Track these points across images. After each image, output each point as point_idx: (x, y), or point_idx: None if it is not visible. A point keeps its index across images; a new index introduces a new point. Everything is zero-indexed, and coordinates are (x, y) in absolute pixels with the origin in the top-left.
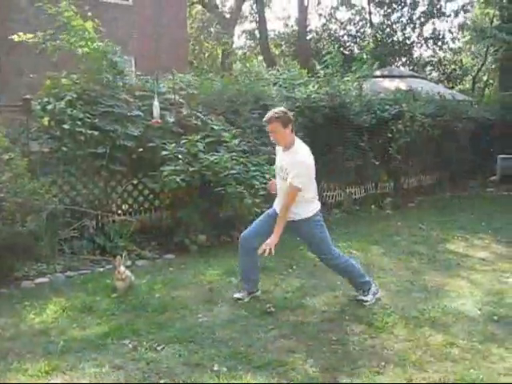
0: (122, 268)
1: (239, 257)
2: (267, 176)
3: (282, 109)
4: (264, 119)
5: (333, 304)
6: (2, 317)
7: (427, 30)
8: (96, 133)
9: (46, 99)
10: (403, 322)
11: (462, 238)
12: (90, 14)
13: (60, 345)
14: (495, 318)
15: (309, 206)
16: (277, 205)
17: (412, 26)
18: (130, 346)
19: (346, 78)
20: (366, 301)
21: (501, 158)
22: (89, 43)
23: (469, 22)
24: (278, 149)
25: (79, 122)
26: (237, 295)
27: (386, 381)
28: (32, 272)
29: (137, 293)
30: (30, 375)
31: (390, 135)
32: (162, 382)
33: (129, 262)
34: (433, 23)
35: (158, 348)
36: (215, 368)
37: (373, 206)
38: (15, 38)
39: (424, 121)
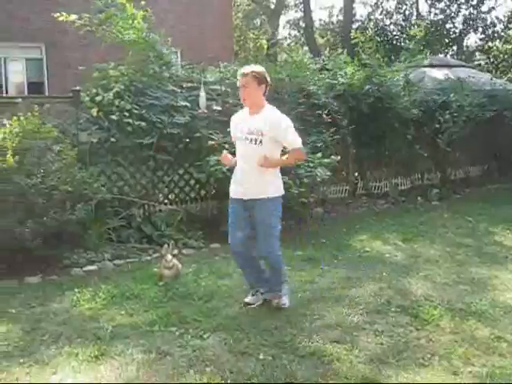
0: (169, 256)
1: (242, 270)
2: (311, 165)
3: (261, 68)
4: (244, 70)
5: (378, 295)
6: (53, 302)
7: (477, 18)
8: (143, 123)
9: (94, 91)
10: (449, 315)
11: (511, 230)
12: (143, 2)
13: (109, 331)
14: None
15: (280, 181)
16: (244, 186)
17: (462, 14)
18: (177, 333)
19: (393, 68)
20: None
21: None
22: (137, 32)
23: None
24: (242, 114)
25: (127, 113)
26: (246, 300)
27: (431, 373)
28: (81, 260)
29: (183, 281)
30: (81, 359)
31: (437, 126)
32: (207, 369)
33: (175, 251)
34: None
35: (204, 336)
36: (261, 356)
37: (419, 198)
38: (58, 16)
39: (472, 111)
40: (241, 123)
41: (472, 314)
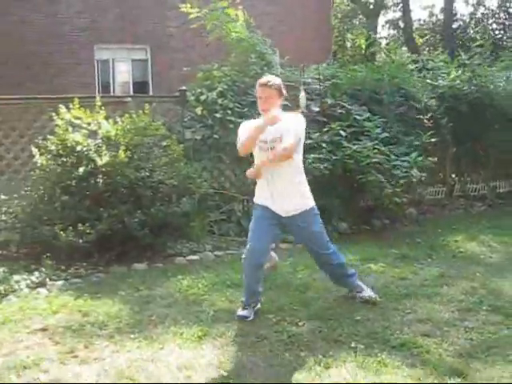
0: (273, 254)
1: (245, 274)
2: (406, 165)
3: (279, 79)
4: (262, 81)
5: (470, 294)
6: (159, 287)
7: None
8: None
9: (199, 90)
10: None
11: None
12: (241, 6)
13: (210, 314)
14: None
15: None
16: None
17: None
18: (274, 320)
19: (493, 68)
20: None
21: None
22: (241, 33)
23: None
24: (255, 124)
25: (229, 111)
26: (241, 313)
27: None
28: (184, 249)
29: (281, 273)
30: (185, 338)
31: None
32: (302, 353)
33: (273, 245)
34: None
35: (300, 323)
36: (352, 345)
37: None
38: (183, 8)
39: None
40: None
41: None
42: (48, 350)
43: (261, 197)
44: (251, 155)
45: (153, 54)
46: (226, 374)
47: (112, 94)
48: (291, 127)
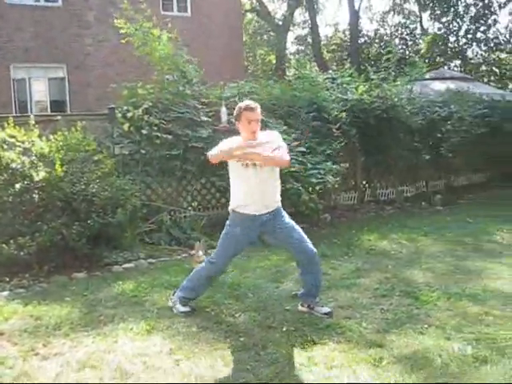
0: (200, 252)
1: (199, 283)
2: (322, 172)
3: None
4: (251, 105)
5: (384, 283)
6: (101, 292)
7: (480, 30)
8: (170, 137)
9: (125, 108)
10: (445, 297)
11: (508, 231)
12: (169, 25)
13: (154, 312)
14: None
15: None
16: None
17: (464, 28)
18: (213, 313)
19: (397, 82)
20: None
21: None
22: (166, 52)
23: None
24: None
25: (155, 128)
26: (184, 309)
27: (427, 339)
28: (119, 258)
29: None
30: (135, 332)
31: (439, 135)
32: (241, 339)
33: (201, 252)
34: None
35: (236, 315)
36: (284, 329)
37: (423, 203)
38: (118, 23)
39: (472, 121)
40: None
41: (465, 296)
42: (9, 350)
43: (245, 203)
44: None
45: (69, 72)
46: (177, 357)
47: (30, 112)
48: (276, 140)
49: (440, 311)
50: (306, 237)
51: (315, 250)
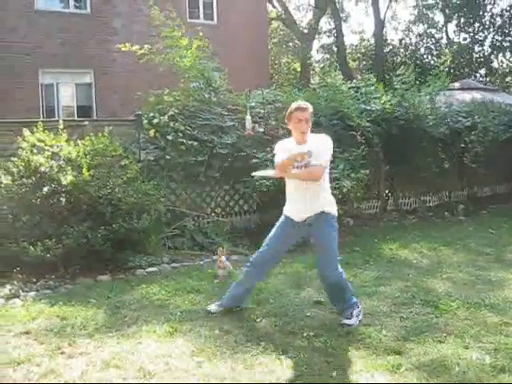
0: (223, 258)
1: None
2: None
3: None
4: (302, 105)
5: (404, 291)
6: (126, 295)
7: (506, 40)
8: (195, 143)
9: (151, 114)
10: (465, 306)
11: None
12: (201, 33)
13: (177, 315)
14: None
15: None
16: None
17: (490, 38)
18: (235, 317)
19: (421, 93)
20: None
21: None
22: (192, 61)
23: None
24: (289, 144)
25: (181, 134)
26: (211, 307)
27: (446, 347)
28: (143, 262)
29: (235, 279)
30: (158, 334)
31: (463, 146)
32: (262, 343)
33: (224, 258)
34: (510, 35)
35: (257, 320)
36: (304, 334)
37: (446, 213)
38: (122, 47)
39: (497, 131)
40: (286, 153)
41: (485, 306)
42: (36, 349)
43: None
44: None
45: (96, 77)
46: (199, 359)
47: (57, 117)
48: (321, 147)
49: (459, 320)
50: (333, 262)
51: (337, 278)
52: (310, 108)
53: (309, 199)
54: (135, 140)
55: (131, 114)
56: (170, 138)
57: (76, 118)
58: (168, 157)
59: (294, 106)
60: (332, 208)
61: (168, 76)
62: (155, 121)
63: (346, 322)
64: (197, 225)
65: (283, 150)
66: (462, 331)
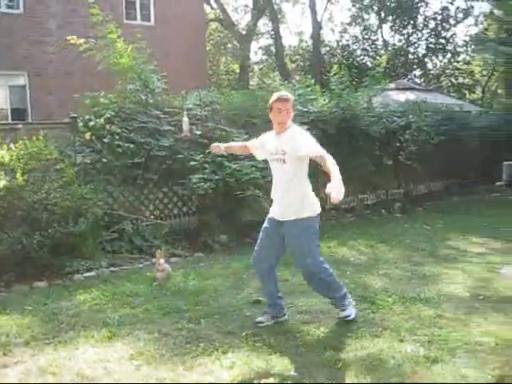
0: (162, 260)
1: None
2: None
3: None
4: (284, 96)
5: None
6: (63, 301)
7: (439, 43)
8: (132, 145)
9: (87, 116)
10: (401, 301)
11: (463, 236)
12: (139, 35)
13: (115, 319)
14: (481, 297)
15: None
16: (279, 208)
17: (424, 38)
18: (174, 319)
19: (357, 94)
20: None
21: (506, 164)
22: (129, 62)
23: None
24: (268, 136)
25: (117, 136)
26: (259, 319)
27: (382, 341)
28: (80, 267)
29: (174, 282)
30: (96, 339)
31: (398, 144)
32: (201, 344)
33: (162, 260)
34: (443, 37)
35: (196, 321)
36: (243, 334)
37: (383, 211)
38: (71, 39)
39: (430, 131)
40: (267, 145)
41: (420, 300)
42: None
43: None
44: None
45: (31, 79)
46: (138, 363)
47: None
48: (299, 137)
49: (395, 315)
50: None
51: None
52: (292, 99)
53: None
54: (71, 143)
55: (68, 117)
56: (106, 140)
57: (10, 121)
58: (105, 160)
59: (275, 96)
60: None
61: (106, 77)
62: (91, 123)
63: (342, 314)
64: (135, 228)
65: (260, 141)
66: (398, 325)
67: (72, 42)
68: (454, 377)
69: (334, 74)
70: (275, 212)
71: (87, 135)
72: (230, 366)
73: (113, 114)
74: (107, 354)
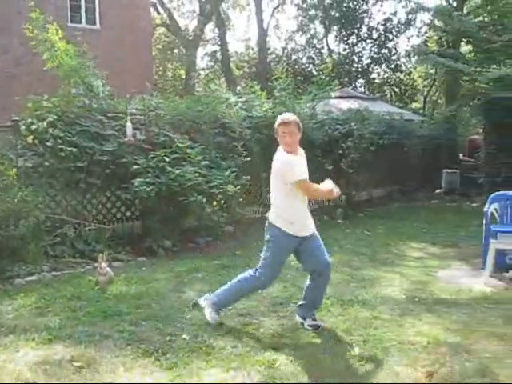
0: (104, 264)
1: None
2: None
3: (295, 116)
4: (285, 120)
5: (282, 291)
6: (3, 304)
7: (382, 53)
8: (75, 149)
9: (29, 120)
10: (339, 304)
11: (403, 242)
12: (78, 38)
13: (56, 322)
14: (416, 299)
15: None
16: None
17: (368, 48)
18: (116, 322)
19: (300, 100)
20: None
21: (445, 172)
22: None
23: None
24: (296, 160)
25: (60, 140)
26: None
27: (320, 342)
28: (21, 271)
29: (116, 285)
30: (37, 342)
31: (340, 152)
32: (142, 346)
33: (104, 264)
34: (386, 47)
35: (138, 323)
36: (183, 336)
37: (325, 216)
38: (26, 28)
39: (372, 138)
40: (302, 163)
41: (358, 302)
42: None
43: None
44: None
45: None
46: (78, 364)
47: None
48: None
49: (333, 316)
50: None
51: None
52: (294, 121)
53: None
54: (12, 146)
55: (10, 120)
56: (49, 144)
57: None
58: (47, 163)
59: (278, 119)
60: None
61: (49, 80)
62: (33, 127)
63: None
64: (78, 232)
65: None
66: (335, 326)
67: (29, 34)
68: (386, 374)
69: (278, 78)
70: (299, 229)
71: (29, 138)
72: (170, 366)
73: (56, 117)
74: (48, 356)
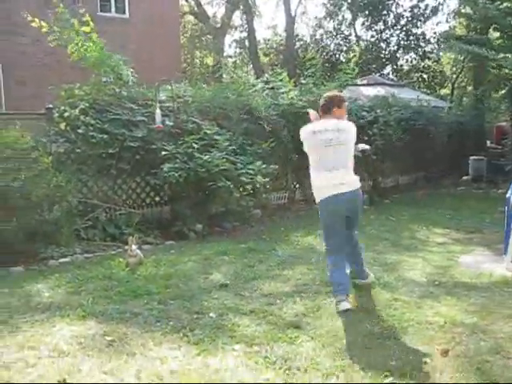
0: (134, 246)
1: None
2: (252, 172)
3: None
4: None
5: (306, 274)
6: (39, 284)
7: (410, 39)
8: (106, 136)
9: (62, 107)
10: (362, 286)
11: (427, 227)
12: (110, 27)
13: (90, 300)
14: (436, 283)
15: None
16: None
17: (396, 35)
18: (145, 301)
19: (325, 87)
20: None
21: (472, 159)
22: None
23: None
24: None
25: (91, 127)
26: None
27: (341, 321)
28: (55, 254)
29: (145, 267)
30: (71, 318)
31: (366, 139)
32: (170, 323)
33: (134, 247)
34: (414, 34)
35: (166, 303)
36: (211, 314)
37: None
38: (31, 21)
39: (398, 125)
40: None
41: (379, 284)
42: None
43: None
44: None
45: (4, 70)
46: (110, 338)
47: None
48: None
49: (349, 298)
50: None
51: None
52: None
53: None
54: (46, 133)
55: (43, 108)
56: (80, 131)
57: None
58: (78, 150)
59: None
60: None
61: (80, 69)
62: (66, 114)
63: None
64: (108, 216)
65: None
66: (357, 307)
67: (34, 24)
68: (402, 351)
69: (308, 60)
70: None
71: (62, 125)
72: (197, 342)
73: (87, 105)
74: (82, 331)
